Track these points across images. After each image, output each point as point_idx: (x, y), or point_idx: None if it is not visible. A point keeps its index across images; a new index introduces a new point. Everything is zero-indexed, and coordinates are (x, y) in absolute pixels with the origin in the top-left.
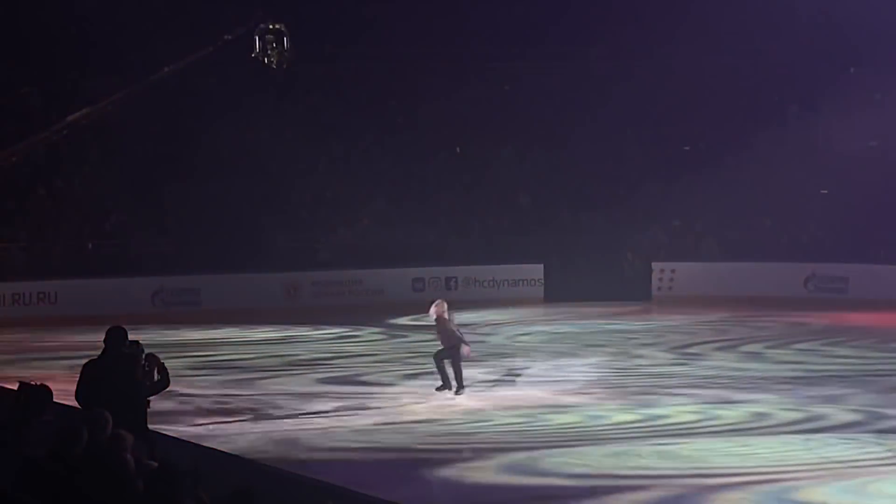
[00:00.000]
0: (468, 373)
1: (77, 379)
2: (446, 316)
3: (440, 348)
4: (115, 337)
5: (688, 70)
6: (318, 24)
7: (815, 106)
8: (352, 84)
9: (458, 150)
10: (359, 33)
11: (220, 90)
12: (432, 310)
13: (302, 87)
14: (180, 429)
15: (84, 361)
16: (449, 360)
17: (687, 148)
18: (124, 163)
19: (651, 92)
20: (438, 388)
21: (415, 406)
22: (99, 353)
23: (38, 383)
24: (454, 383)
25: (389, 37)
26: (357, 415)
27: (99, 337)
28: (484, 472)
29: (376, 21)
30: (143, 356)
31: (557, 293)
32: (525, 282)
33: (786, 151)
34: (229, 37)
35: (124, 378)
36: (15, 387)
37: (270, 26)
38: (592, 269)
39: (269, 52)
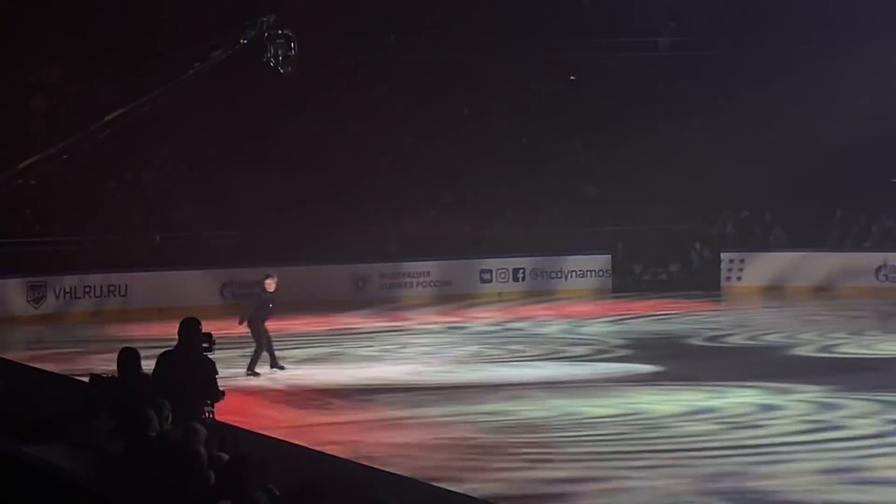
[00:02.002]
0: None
1: (151, 370)
2: None
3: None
4: (190, 328)
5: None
6: (384, 14)
7: (885, 94)
8: (418, 75)
9: (524, 139)
10: (425, 24)
11: (288, 82)
12: (272, 283)
13: (369, 78)
14: (249, 420)
15: (155, 353)
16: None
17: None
18: (193, 155)
19: (719, 80)
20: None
21: (482, 397)
22: (173, 344)
23: (110, 375)
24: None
25: (456, 27)
26: (424, 405)
27: (167, 329)
28: (545, 465)
29: (443, 11)
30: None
31: (625, 284)
32: (593, 273)
33: (854, 140)
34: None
35: (201, 371)
36: (86, 379)
37: (280, 31)
38: (660, 259)
39: (280, 57)
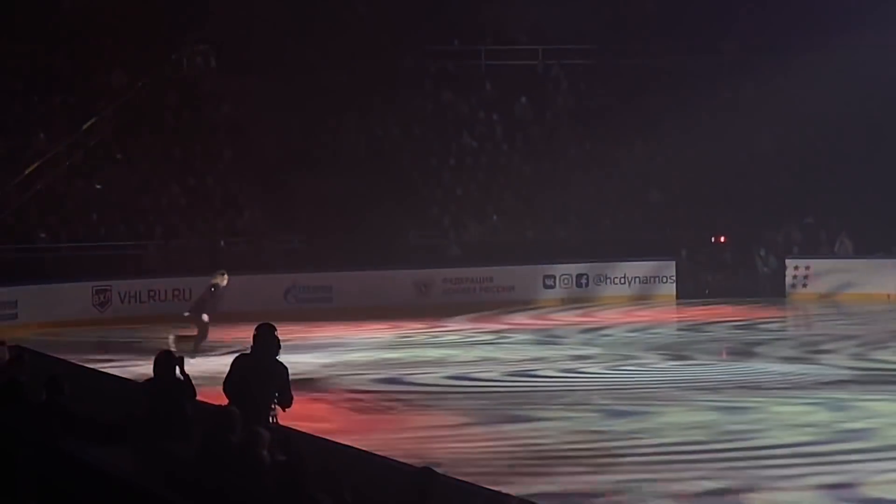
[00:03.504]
0: None
1: (227, 372)
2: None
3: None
4: (265, 333)
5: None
6: (448, 20)
7: None
8: (482, 80)
9: (587, 145)
10: (487, 30)
11: (350, 86)
12: (226, 280)
13: (432, 83)
14: (311, 424)
15: (233, 356)
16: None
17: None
18: (256, 160)
19: (782, 87)
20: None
21: (546, 403)
22: (242, 349)
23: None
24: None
25: (518, 33)
26: (486, 411)
27: (233, 332)
28: (608, 473)
29: (505, 18)
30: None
31: (690, 290)
32: (657, 279)
33: None
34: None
35: (274, 376)
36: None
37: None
38: (725, 266)
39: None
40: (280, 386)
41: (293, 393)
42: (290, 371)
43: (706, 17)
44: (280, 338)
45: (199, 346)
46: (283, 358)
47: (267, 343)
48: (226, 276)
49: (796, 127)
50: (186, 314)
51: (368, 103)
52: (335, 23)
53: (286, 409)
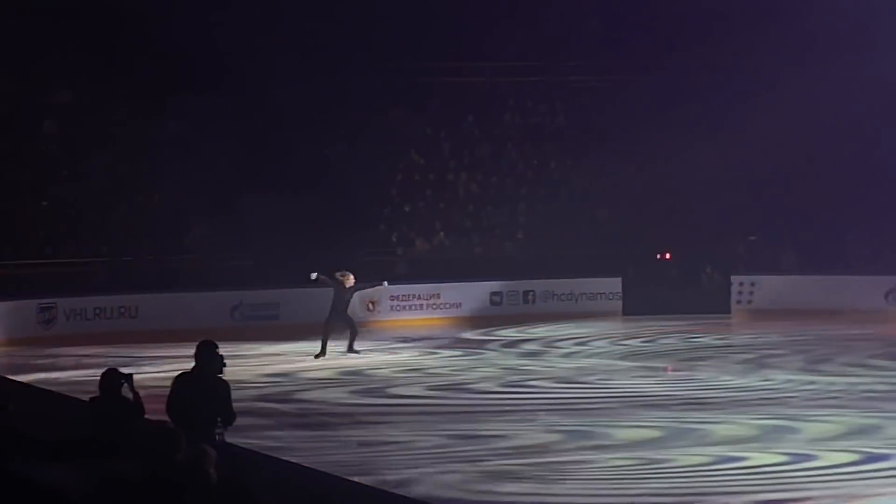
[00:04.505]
0: None
1: (169, 391)
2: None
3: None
4: (207, 351)
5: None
6: (398, 37)
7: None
8: (431, 98)
9: (535, 162)
10: (438, 48)
11: (298, 104)
12: (350, 279)
13: (380, 100)
14: (258, 442)
15: (166, 374)
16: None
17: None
18: (204, 178)
19: (730, 103)
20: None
21: (493, 419)
22: (186, 366)
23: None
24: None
25: (466, 50)
26: (432, 426)
27: (178, 351)
28: (553, 487)
29: (456, 35)
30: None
31: (636, 307)
32: (603, 295)
33: (867, 162)
34: None
35: (216, 393)
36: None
37: None
38: (671, 282)
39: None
40: (222, 403)
41: (236, 410)
42: (234, 387)
43: (653, 35)
44: (225, 354)
45: (352, 345)
46: (228, 373)
47: (209, 360)
48: (350, 276)
49: (742, 144)
50: (326, 323)
51: (316, 121)
52: (284, 40)
53: (229, 427)
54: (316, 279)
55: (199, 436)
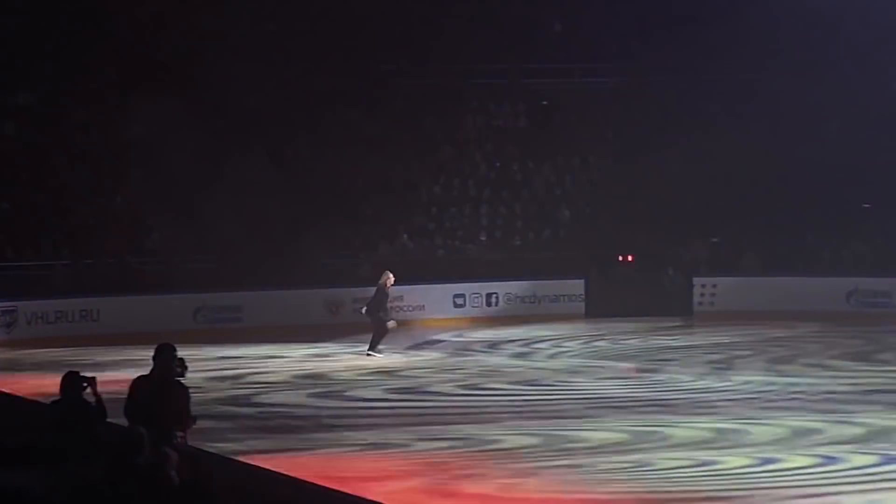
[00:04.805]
0: None
1: (126, 394)
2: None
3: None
4: (165, 354)
5: (729, 86)
6: (362, 39)
7: (858, 120)
8: (394, 99)
9: (497, 164)
10: (401, 50)
11: (261, 106)
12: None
13: (342, 103)
14: (221, 445)
15: (128, 378)
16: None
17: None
18: (166, 180)
19: (691, 107)
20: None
21: (457, 421)
22: (148, 369)
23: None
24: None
25: (429, 52)
26: (402, 430)
27: (140, 353)
28: (520, 490)
29: (418, 38)
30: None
31: (598, 309)
32: (566, 297)
33: (828, 165)
34: None
35: (174, 396)
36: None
37: None
38: (633, 284)
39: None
40: (181, 406)
41: (196, 413)
42: (196, 391)
43: (616, 39)
44: (187, 358)
45: (375, 345)
46: (189, 377)
47: (166, 364)
48: (389, 277)
49: (703, 146)
50: (363, 311)
51: (279, 123)
52: (246, 43)
53: (188, 430)
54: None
55: (159, 439)
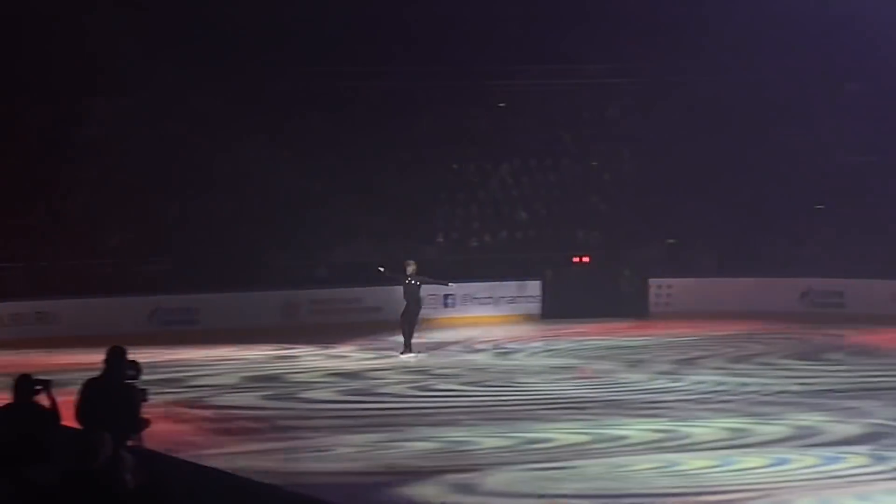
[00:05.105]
0: None
1: (77, 397)
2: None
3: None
4: (115, 356)
5: (683, 87)
6: (315, 41)
7: (811, 121)
8: (351, 102)
9: (454, 166)
10: (358, 51)
11: (217, 106)
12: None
13: (300, 106)
14: (177, 448)
15: (82, 380)
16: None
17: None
18: (122, 181)
19: (647, 108)
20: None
21: (411, 422)
22: (99, 372)
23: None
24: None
25: (387, 54)
26: (357, 431)
27: (97, 356)
28: (471, 491)
29: (374, 38)
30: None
31: (554, 310)
32: (522, 298)
33: (781, 166)
34: None
35: (125, 399)
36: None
37: None
38: (589, 285)
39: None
40: (133, 409)
41: (151, 416)
42: (150, 393)
43: (569, 39)
44: (141, 360)
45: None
46: (144, 380)
47: (117, 366)
48: (411, 264)
49: (659, 147)
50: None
51: (235, 124)
52: (202, 43)
53: (143, 433)
54: (384, 272)
55: (120, 442)
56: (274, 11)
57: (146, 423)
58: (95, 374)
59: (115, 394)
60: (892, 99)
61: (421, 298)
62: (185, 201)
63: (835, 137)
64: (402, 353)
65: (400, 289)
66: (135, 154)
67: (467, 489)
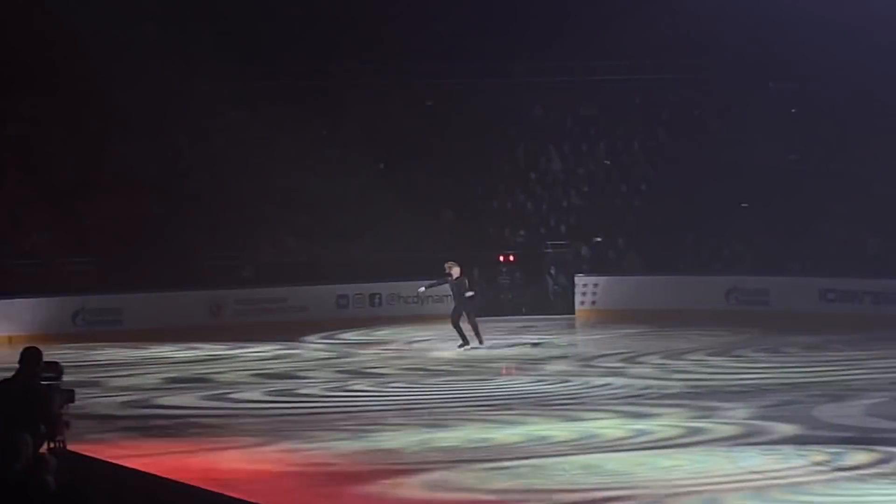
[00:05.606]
0: None
1: None
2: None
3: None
4: (30, 358)
5: (605, 85)
6: (243, 39)
7: (736, 120)
8: (276, 99)
9: (381, 165)
10: (282, 48)
11: (140, 106)
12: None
13: (227, 102)
14: (100, 448)
15: None
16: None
17: (608, 162)
18: (44, 181)
19: (571, 106)
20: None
21: (339, 422)
22: (12, 373)
23: None
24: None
25: (313, 51)
26: (285, 432)
27: (17, 357)
28: (407, 489)
29: (298, 35)
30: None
31: (482, 308)
32: (449, 298)
33: (706, 165)
34: None
35: (39, 401)
36: None
37: None
38: (516, 283)
39: None
40: (50, 411)
41: (74, 416)
42: (76, 394)
43: (498, 40)
44: (64, 361)
45: (479, 337)
46: (68, 381)
47: (32, 367)
48: (454, 267)
49: (586, 146)
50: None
51: (159, 123)
52: (125, 43)
53: (64, 434)
54: (426, 290)
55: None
56: (200, 12)
57: (66, 424)
58: (8, 375)
59: (30, 395)
60: (817, 98)
61: (463, 294)
62: (109, 200)
63: (760, 136)
64: (459, 346)
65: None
66: (57, 152)
67: (399, 488)
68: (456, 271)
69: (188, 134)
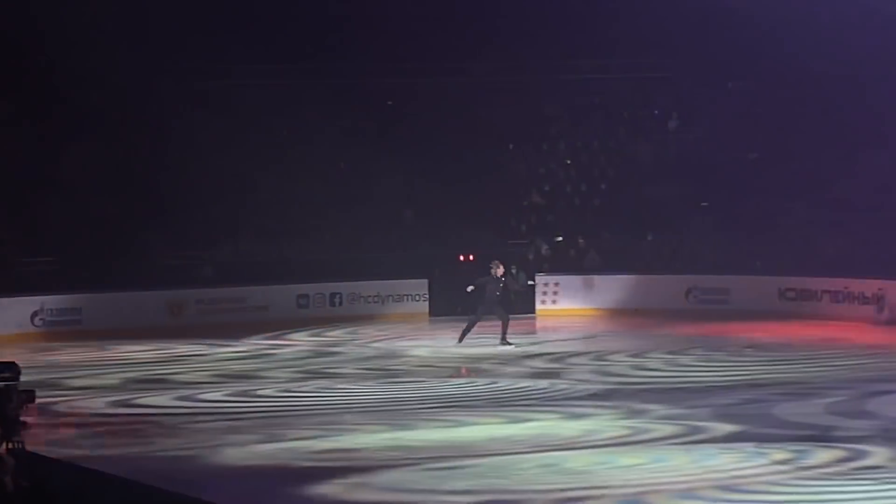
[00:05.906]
0: None
1: None
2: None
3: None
4: None
5: (570, 83)
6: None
7: (695, 119)
8: (234, 98)
9: (342, 164)
10: (244, 48)
11: (99, 105)
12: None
13: (184, 102)
14: (61, 450)
15: None
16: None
17: (568, 161)
18: (2, 180)
19: (534, 105)
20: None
21: (299, 422)
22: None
23: None
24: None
25: (271, 51)
26: (245, 432)
27: None
28: (363, 490)
29: (262, 35)
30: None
31: (442, 308)
32: (410, 297)
33: (667, 164)
34: None
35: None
36: None
37: None
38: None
39: None
40: (6, 411)
41: (32, 417)
42: (35, 394)
43: (457, 39)
44: (22, 362)
45: (464, 336)
46: (25, 382)
47: None
48: (500, 266)
49: (547, 145)
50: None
51: (118, 122)
52: (83, 41)
53: (18, 435)
54: (474, 289)
55: None
56: (158, 11)
57: (24, 425)
58: None
59: None
60: (775, 96)
61: (495, 293)
62: (68, 200)
63: (719, 134)
64: (500, 344)
65: None
66: (14, 151)
67: (359, 488)
68: (500, 271)
69: (147, 133)
